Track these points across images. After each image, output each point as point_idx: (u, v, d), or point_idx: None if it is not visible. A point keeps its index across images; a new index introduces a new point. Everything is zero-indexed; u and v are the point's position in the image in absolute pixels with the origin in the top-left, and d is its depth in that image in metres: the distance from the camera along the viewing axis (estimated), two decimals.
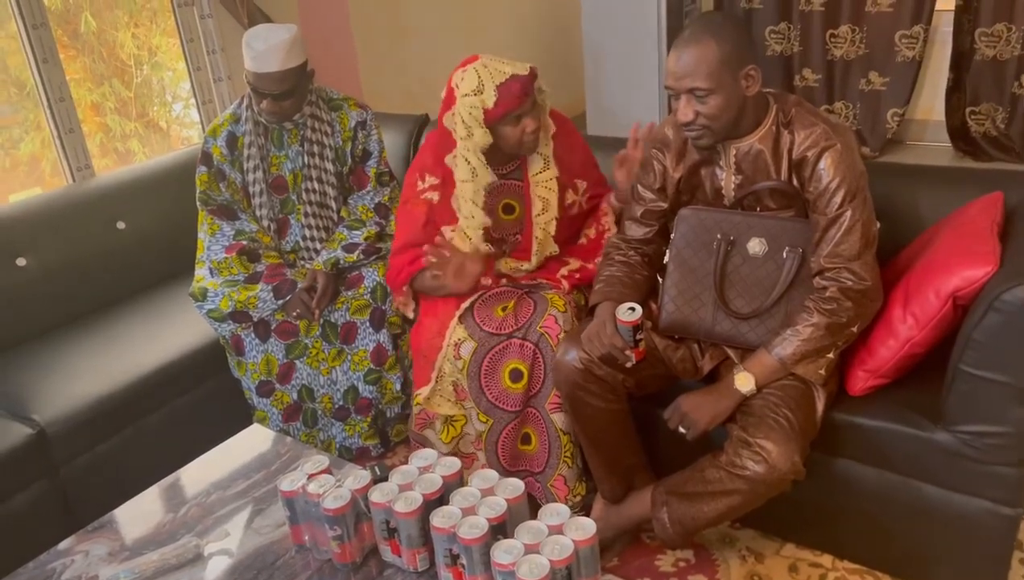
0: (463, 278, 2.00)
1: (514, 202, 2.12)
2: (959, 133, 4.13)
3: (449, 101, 2.01)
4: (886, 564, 1.85)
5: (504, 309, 2.02)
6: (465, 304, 2.04)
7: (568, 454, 1.99)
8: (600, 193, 2.24)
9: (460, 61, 2.01)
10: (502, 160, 2.07)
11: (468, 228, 2.04)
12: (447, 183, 2.05)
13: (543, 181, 2.10)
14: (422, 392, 2.05)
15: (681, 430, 1.72)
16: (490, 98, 1.93)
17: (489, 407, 2.00)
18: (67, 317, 2.50)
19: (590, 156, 2.23)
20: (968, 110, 4.08)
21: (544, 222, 2.11)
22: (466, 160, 2.00)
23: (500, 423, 2.00)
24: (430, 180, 2.07)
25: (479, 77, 1.94)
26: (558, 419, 1.96)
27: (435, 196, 2.08)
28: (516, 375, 1.97)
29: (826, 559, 1.92)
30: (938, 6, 4.00)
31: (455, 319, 2.02)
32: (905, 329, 1.71)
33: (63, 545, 1.61)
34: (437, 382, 2.03)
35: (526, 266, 2.13)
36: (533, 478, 2.06)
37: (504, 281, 2.12)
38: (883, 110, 4.24)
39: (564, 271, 2.13)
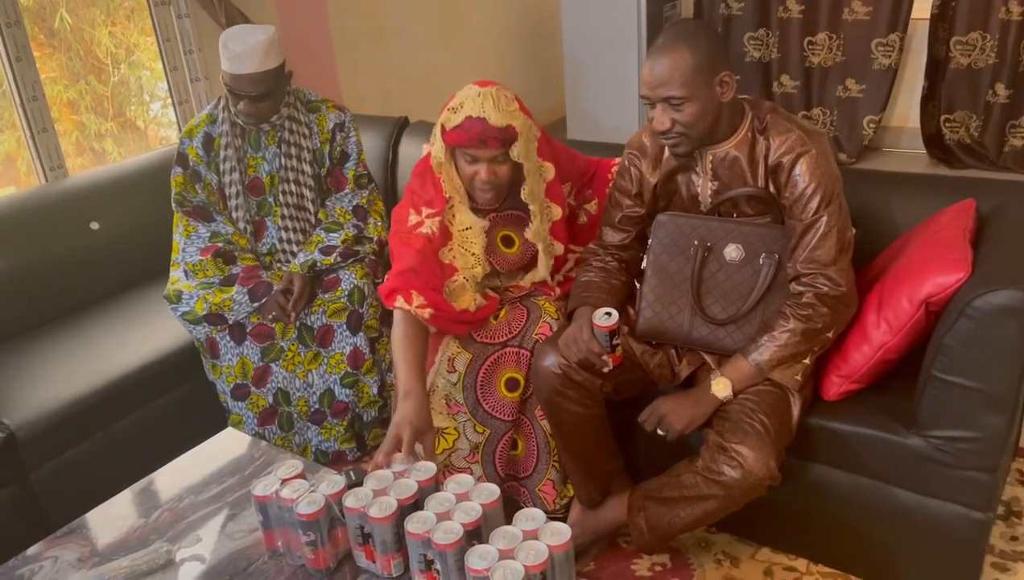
0: None
1: (511, 233, 2.06)
2: (934, 140, 4.18)
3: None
4: (860, 568, 1.87)
5: (496, 318, 2.01)
6: None
7: (556, 459, 1.99)
8: (587, 183, 2.19)
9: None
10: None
11: (470, 243, 2.00)
12: (441, 210, 1.98)
13: (541, 235, 2.03)
14: None
15: (660, 432, 1.72)
16: (454, 121, 1.85)
17: (486, 418, 1.98)
18: (38, 319, 2.47)
19: (566, 153, 2.16)
20: (943, 118, 4.14)
21: (543, 264, 2.06)
22: (442, 172, 1.95)
23: (497, 433, 1.99)
24: (425, 211, 1.98)
25: (466, 98, 1.86)
26: (548, 425, 1.95)
27: (433, 225, 1.96)
28: (512, 384, 1.96)
29: (801, 563, 1.93)
30: (914, 15, 4.05)
31: (449, 334, 2.00)
32: (879, 335, 1.72)
33: (32, 551, 1.59)
34: (430, 396, 2.01)
35: (520, 281, 2.10)
36: (518, 482, 2.05)
37: (501, 289, 2.11)
38: (860, 117, 4.29)
39: (559, 276, 2.13)
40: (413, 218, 1.98)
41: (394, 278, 1.91)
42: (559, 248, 2.06)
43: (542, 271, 2.05)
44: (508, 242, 2.06)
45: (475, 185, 1.93)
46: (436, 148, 1.94)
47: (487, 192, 1.93)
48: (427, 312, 1.86)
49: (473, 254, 1.99)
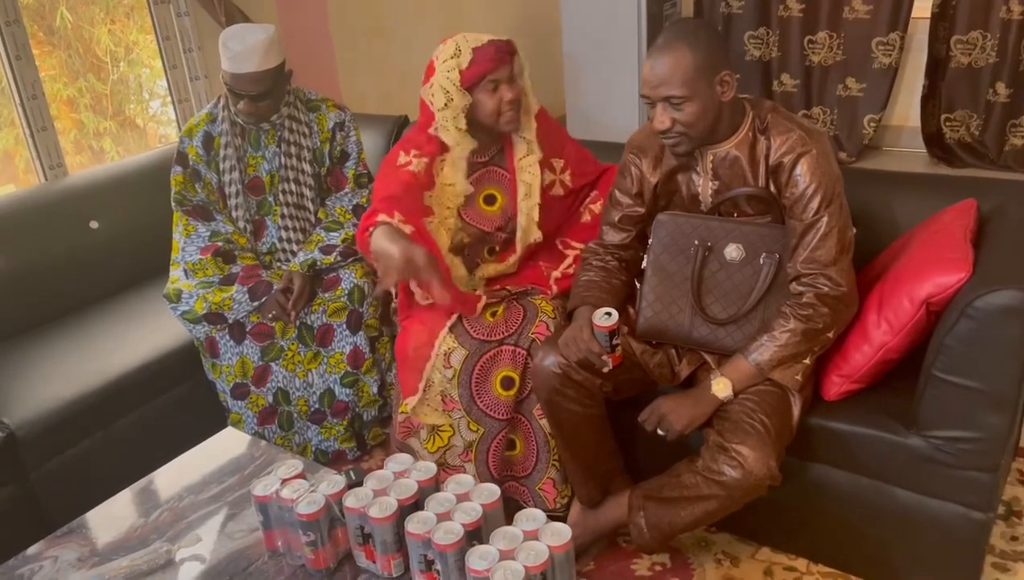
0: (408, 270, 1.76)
1: (496, 192, 2.12)
2: (934, 140, 4.17)
3: (429, 74, 2.02)
4: (860, 568, 1.86)
5: (493, 314, 2.01)
6: (455, 315, 2.01)
7: (556, 457, 1.99)
8: (585, 171, 2.22)
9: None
10: (484, 144, 2.07)
11: (448, 197, 2.03)
12: (432, 154, 2.04)
13: (527, 166, 2.10)
14: (409, 402, 2.01)
15: (660, 432, 1.72)
16: (466, 60, 1.95)
17: (481, 416, 1.98)
18: (38, 318, 2.47)
19: (565, 135, 2.24)
20: (943, 117, 4.12)
21: (527, 208, 2.11)
22: (447, 129, 2.00)
23: (491, 432, 1.99)
24: (413, 152, 2.04)
25: (456, 44, 1.97)
26: (547, 424, 1.95)
27: (420, 165, 2.01)
28: (508, 383, 1.96)
29: (801, 563, 1.93)
30: (914, 13, 4.04)
31: (445, 329, 2.00)
32: (879, 334, 1.72)
33: (32, 550, 1.59)
34: (425, 392, 2.01)
35: (513, 259, 2.12)
36: (517, 482, 2.05)
37: (497, 287, 2.11)
38: (860, 116, 4.27)
39: (557, 273, 2.13)
40: (402, 158, 2.04)
41: (375, 204, 1.93)
42: (536, 189, 2.12)
43: (523, 206, 2.08)
44: (490, 200, 2.11)
45: (502, 111, 2.00)
46: (455, 101, 1.98)
47: (513, 113, 2.02)
48: (408, 228, 1.84)
49: (448, 208, 2.05)
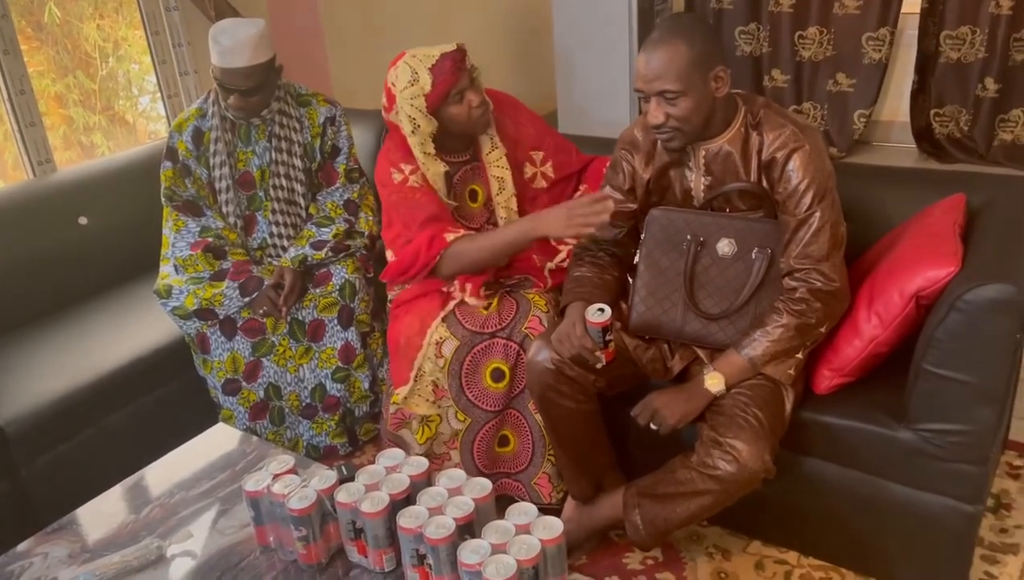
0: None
1: (477, 187, 2.14)
2: (924, 135, 4.20)
3: (390, 101, 2.04)
4: (850, 560, 1.87)
5: (487, 307, 2.01)
6: (449, 306, 2.02)
7: (551, 452, 1.99)
8: (567, 161, 2.24)
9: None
10: (458, 148, 2.10)
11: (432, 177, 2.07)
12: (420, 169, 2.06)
13: (494, 161, 2.13)
14: (400, 392, 2.02)
15: (652, 426, 1.72)
16: (427, 83, 1.96)
17: (468, 406, 1.99)
18: (28, 314, 2.45)
19: (541, 124, 2.25)
20: (932, 112, 4.15)
21: (504, 201, 2.14)
22: (416, 154, 2.03)
23: (478, 423, 1.99)
24: (406, 168, 2.06)
25: (411, 68, 1.98)
26: (541, 418, 1.95)
27: (418, 179, 2.05)
28: (498, 375, 1.97)
29: (791, 556, 1.94)
30: (904, 9, 4.06)
31: (438, 319, 2.00)
32: (870, 328, 1.73)
33: (22, 547, 1.58)
34: (416, 382, 2.01)
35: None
36: (510, 479, 2.06)
37: (490, 279, 2.11)
38: (850, 111, 4.30)
39: (552, 265, 2.13)
40: (396, 176, 2.06)
41: (422, 227, 1.98)
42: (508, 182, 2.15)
43: (499, 200, 2.12)
44: (474, 196, 2.14)
45: (472, 117, 2.02)
46: (423, 127, 2.00)
47: (483, 114, 2.04)
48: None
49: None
